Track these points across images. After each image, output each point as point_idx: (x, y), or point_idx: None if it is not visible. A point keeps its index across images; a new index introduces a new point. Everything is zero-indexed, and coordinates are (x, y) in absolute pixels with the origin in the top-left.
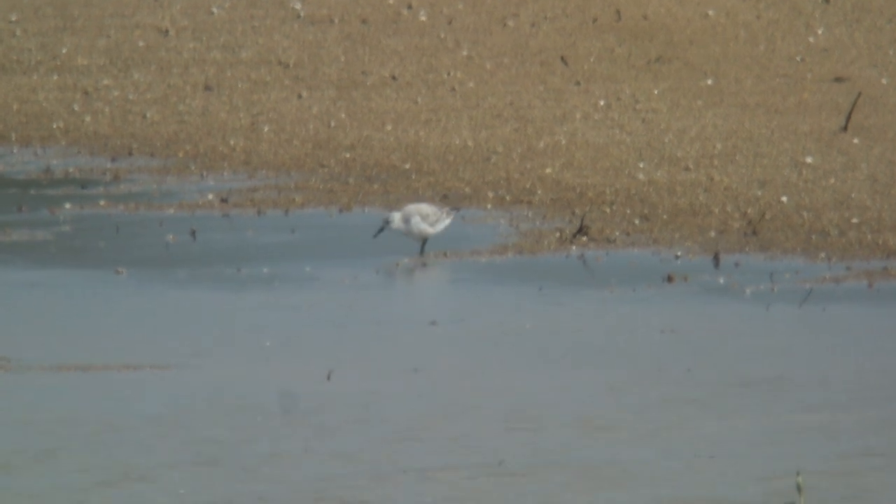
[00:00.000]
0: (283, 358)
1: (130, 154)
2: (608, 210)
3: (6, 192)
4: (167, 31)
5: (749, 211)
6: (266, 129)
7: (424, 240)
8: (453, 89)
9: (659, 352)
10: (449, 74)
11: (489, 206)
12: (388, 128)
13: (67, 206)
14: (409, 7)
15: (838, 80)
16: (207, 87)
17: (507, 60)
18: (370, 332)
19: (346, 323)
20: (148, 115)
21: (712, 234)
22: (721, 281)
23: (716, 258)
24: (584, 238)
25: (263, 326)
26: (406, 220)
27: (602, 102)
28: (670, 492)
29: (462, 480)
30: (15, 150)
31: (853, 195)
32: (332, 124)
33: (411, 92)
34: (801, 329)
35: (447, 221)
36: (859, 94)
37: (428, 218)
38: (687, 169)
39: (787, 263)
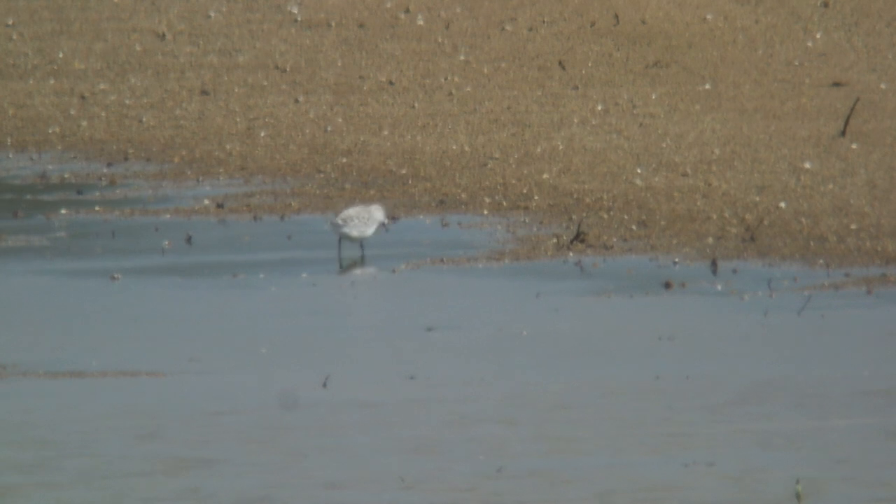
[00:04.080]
0: (280, 364)
1: (126, 159)
2: (605, 216)
3: (1, 197)
4: (164, 36)
5: (747, 217)
6: (262, 133)
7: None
8: (450, 94)
9: (657, 358)
10: (446, 79)
11: (486, 211)
12: (385, 133)
13: (63, 211)
14: (407, 11)
15: (837, 84)
16: (204, 92)
17: (504, 65)
18: (367, 339)
19: (343, 329)
20: (144, 119)
21: (710, 240)
22: (719, 287)
23: (714, 264)
24: (582, 244)
25: (259, 333)
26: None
27: (600, 107)
28: (669, 499)
29: (460, 487)
30: (10, 156)
31: (852, 201)
32: (329, 129)
33: (408, 97)
34: (800, 336)
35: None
36: (857, 100)
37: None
38: (685, 174)
39: (785, 270)
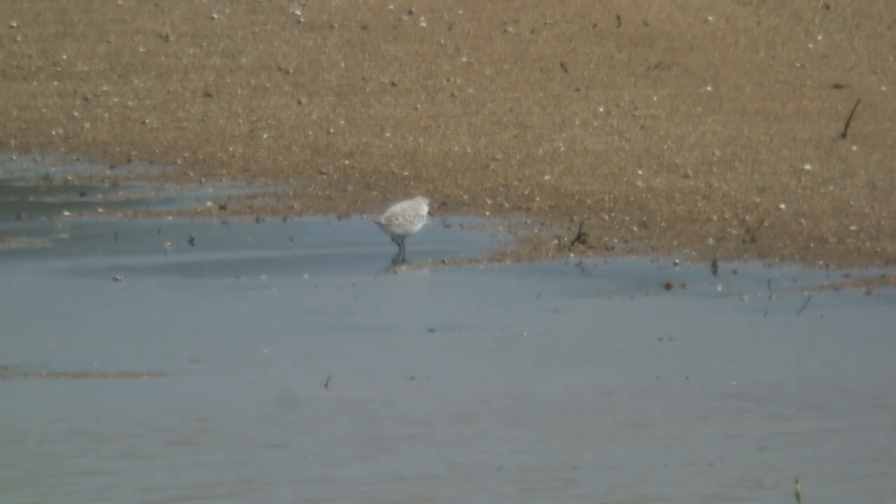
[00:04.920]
0: (282, 365)
1: (129, 161)
2: (607, 217)
3: (5, 199)
4: (167, 37)
5: (747, 218)
6: (265, 135)
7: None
8: (453, 95)
9: (657, 359)
10: (448, 81)
11: (488, 213)
12: (387, 134)
13: (66, 213)
14: (410, 13)
15: (838, 86)
16: (207, 94)
17: (506, 67)
18: (368, 340)
19: (345, 330)
20: (147, 121)
21: (711, 241)
22: (719, 288)
23: (714, 265)
24: (583, 245)
25: (261, 334)
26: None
27: (601, 109)
28: (669, 499)
29: (460, 487)
30: (14, 157)
31: (852, 202)
32: (332, 131)
33: (411, 98)
34: (799, 337)
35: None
36: (858, 101)
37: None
38: (686, 176)
39: (785, 271)
